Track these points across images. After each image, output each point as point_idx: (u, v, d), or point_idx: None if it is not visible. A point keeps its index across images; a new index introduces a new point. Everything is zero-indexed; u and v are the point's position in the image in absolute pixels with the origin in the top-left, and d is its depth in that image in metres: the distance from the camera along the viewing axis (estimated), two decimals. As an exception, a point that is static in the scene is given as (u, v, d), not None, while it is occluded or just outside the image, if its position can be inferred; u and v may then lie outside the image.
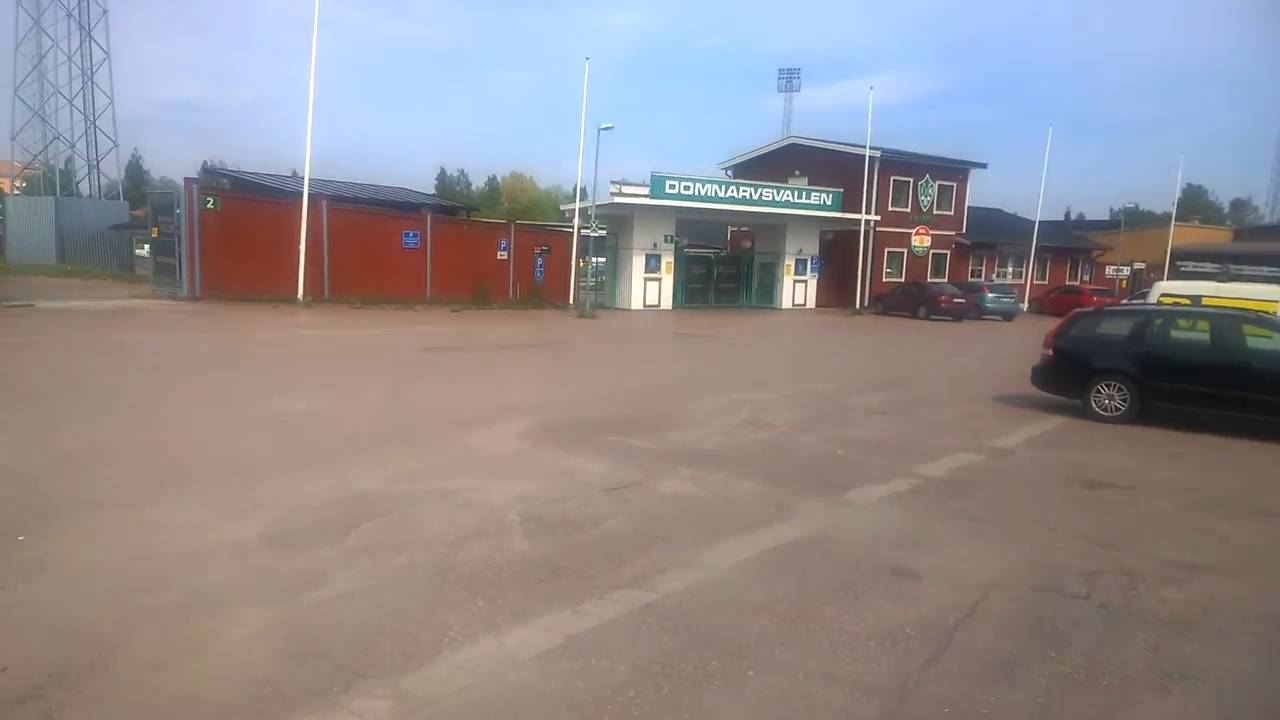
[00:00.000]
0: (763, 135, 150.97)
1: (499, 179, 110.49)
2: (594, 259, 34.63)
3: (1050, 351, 12.02)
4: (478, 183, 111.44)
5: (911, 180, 40.21)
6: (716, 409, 10.85)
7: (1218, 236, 56.48)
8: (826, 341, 22.92)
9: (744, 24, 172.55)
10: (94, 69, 47.34)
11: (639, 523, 5.95)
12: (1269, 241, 50.38)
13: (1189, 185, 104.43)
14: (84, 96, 46.99)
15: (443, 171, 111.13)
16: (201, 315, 20.23)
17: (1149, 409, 10.98)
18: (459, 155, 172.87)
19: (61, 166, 50.33)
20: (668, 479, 7.18)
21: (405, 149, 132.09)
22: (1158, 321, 11.52)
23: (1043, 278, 44.67)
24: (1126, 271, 49.63)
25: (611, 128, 27.90)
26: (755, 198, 34.88)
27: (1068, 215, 53.06)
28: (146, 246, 45.90)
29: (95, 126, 47.13)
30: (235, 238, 23.80)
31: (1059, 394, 12.05)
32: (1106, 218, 64.48)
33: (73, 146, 47.49)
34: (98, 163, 47.77)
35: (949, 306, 33.08)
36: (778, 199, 35.58)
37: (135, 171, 55.15)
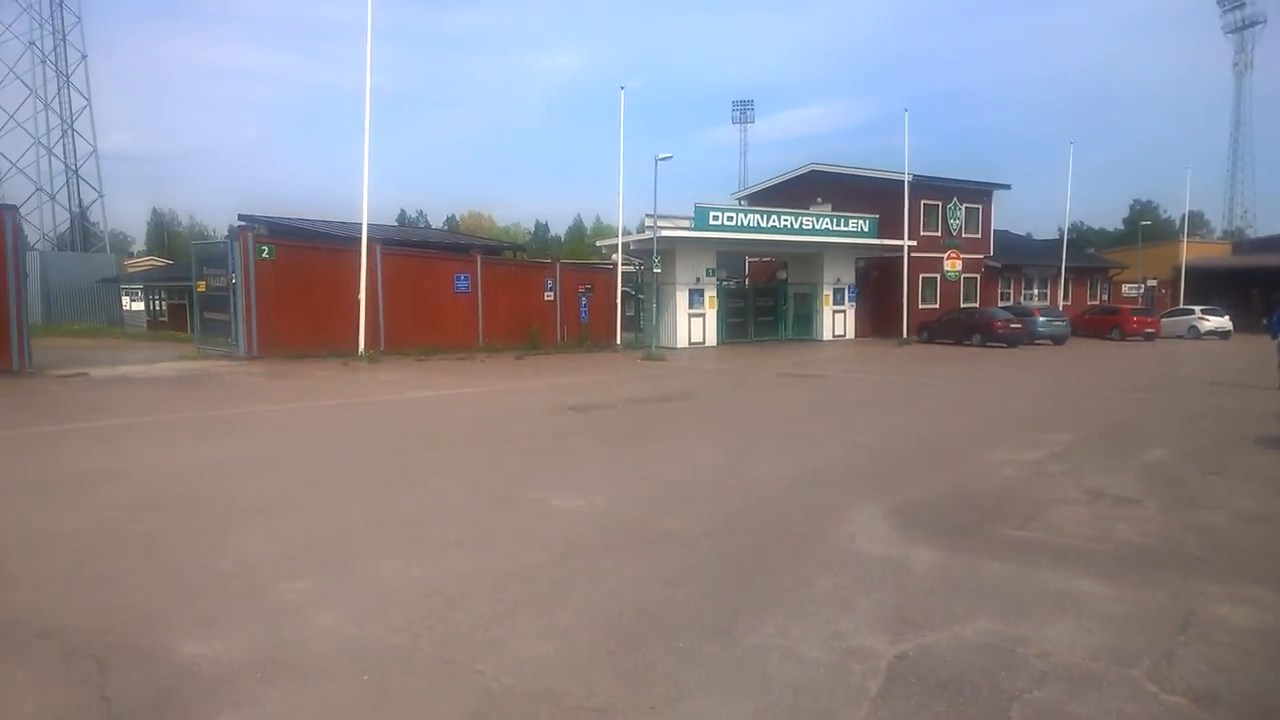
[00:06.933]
0: (702, 170, 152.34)
1: (458, 218, 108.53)
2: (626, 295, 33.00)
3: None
4: (436, 222, 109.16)
5: (940, 204, 39.38)
6: (1022, 475, 9.13)
7: (1216, 251, 56.79)
8: (934, 377, 21.38)
9: (670, 64, 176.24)
10: (74, 117, 44.24)
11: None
12: (1269, 255, 50.68)
13: (1136, 201, 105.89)
14: (64, 145, 43.79)
15: (402, 213, 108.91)
16: (280, 377, 17.95)
17: None
18: (414, 197, 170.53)
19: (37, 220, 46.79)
20: (1207, 602, 5.40)
21: (355, 193, 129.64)
22: None
23: (1066, 298, 44.04)
24: (1142, 289, 49.47)
25: (670, 157, 26.30)
26: (796, 226, 33.61)
27: (1062, 232, 53.05)
28: (134, 302, 42.65)
29: (78, 176, 43.89)
30: (289, 289, 21.57)
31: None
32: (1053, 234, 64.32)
33: (53, 197, 44.09)
34: (83, 212, 44.39)
35: (1005, 332, 31.96)
36: (817, 227, 34.35)
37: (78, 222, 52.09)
